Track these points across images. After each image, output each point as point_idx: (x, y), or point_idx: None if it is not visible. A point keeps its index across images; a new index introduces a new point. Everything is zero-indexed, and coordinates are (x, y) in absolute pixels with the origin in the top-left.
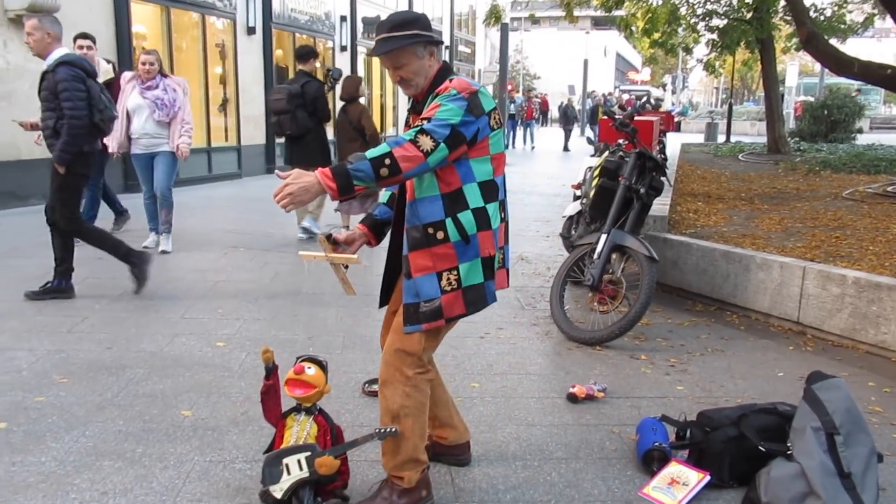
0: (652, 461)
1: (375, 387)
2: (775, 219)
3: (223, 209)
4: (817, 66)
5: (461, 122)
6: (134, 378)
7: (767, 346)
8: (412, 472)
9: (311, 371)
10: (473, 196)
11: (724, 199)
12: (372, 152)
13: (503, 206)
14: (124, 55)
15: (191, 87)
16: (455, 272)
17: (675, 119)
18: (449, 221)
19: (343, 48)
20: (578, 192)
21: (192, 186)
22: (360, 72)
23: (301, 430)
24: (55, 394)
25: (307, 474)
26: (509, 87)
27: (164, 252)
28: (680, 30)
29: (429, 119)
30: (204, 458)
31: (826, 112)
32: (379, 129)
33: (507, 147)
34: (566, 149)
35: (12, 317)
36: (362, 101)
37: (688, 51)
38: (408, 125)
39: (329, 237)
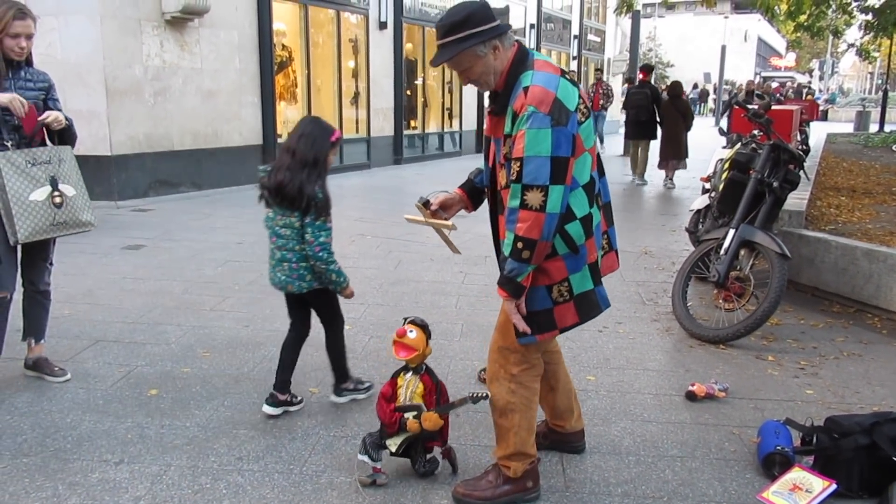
0: (773, 465)
1: None
2: None
3: (352, 198)
4: None
5: (555, 146)
6: (267, 355)
7: None
8: (519, 464)
9: (413, 335)
10: (580, 203)
11: (872, 194)
12: (505, 248)
13: (600, 196)
14: (265, 51)
15: (325, 81)
16: (566, 283)
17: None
18: (556, 236)
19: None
20: (707, 185)
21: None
22: None
23: (408, 388)
24: (198, 366)
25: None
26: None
27: None
28: (829, 11)
29: (520, 162)
30: (328, 433)
31: None
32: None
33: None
34: None
35: (163, 294)
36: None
37: (837, 34)
38: (487, 129)
39: (426, 203)
